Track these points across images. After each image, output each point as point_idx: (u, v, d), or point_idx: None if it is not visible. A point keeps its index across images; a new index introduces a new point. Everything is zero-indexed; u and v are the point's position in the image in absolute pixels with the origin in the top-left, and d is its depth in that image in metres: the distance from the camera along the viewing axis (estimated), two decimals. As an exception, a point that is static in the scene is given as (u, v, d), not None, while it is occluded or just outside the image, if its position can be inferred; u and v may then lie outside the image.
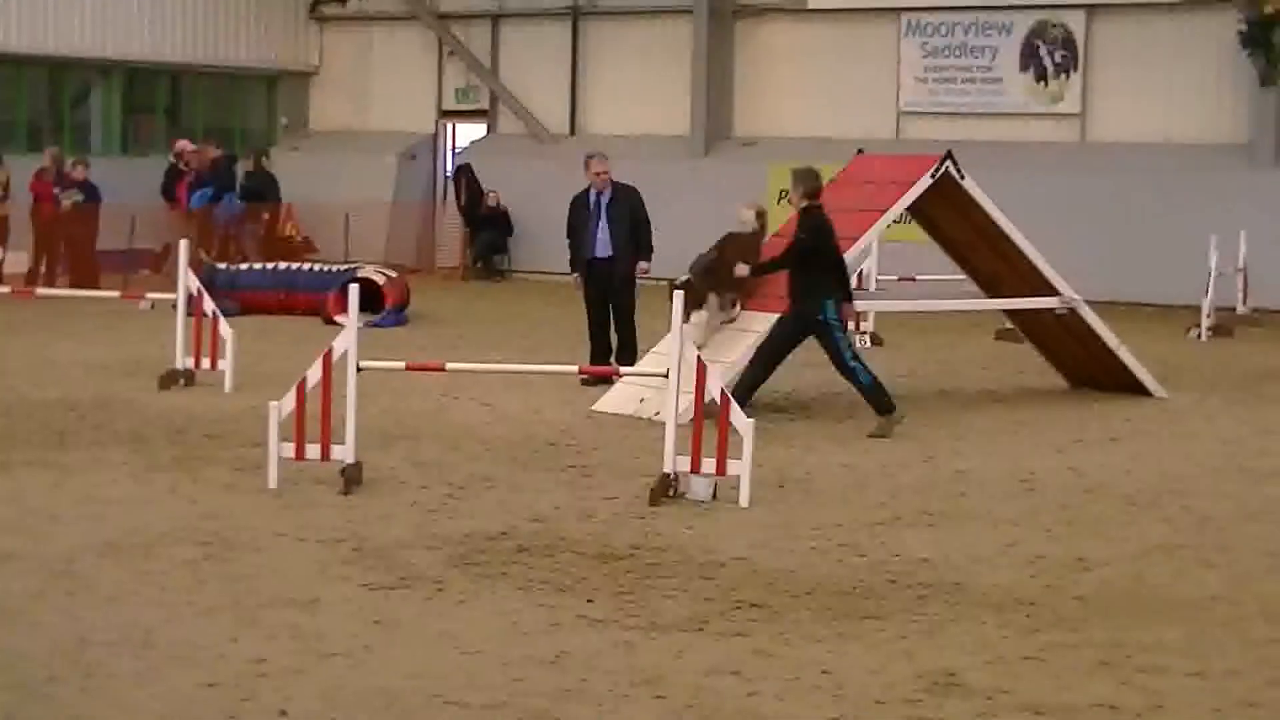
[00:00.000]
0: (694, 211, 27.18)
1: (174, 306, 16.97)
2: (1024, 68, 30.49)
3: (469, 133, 35.63)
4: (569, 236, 18.07)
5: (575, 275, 18.05)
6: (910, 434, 14.99)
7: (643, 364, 16.12)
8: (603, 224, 17.66)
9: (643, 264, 17.65)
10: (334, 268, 25.23)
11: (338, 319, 20.22)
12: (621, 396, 15.77)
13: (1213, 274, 24.31)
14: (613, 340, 17.87)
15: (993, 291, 17.88)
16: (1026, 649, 8.44)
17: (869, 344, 21.93)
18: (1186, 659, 8.31)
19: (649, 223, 17.75)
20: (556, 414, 14.36)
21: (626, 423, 15.12)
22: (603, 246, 17.67)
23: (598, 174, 17.71)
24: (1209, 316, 24.17)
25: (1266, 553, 10.77)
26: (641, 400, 15.36)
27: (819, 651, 8.33)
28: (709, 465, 11.92)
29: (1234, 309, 25.74)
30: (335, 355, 11.95)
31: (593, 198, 17.78)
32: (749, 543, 10.69)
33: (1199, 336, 24.02)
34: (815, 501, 12.09)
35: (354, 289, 12.04)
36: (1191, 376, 19.20)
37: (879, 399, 15.01)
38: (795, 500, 12.10)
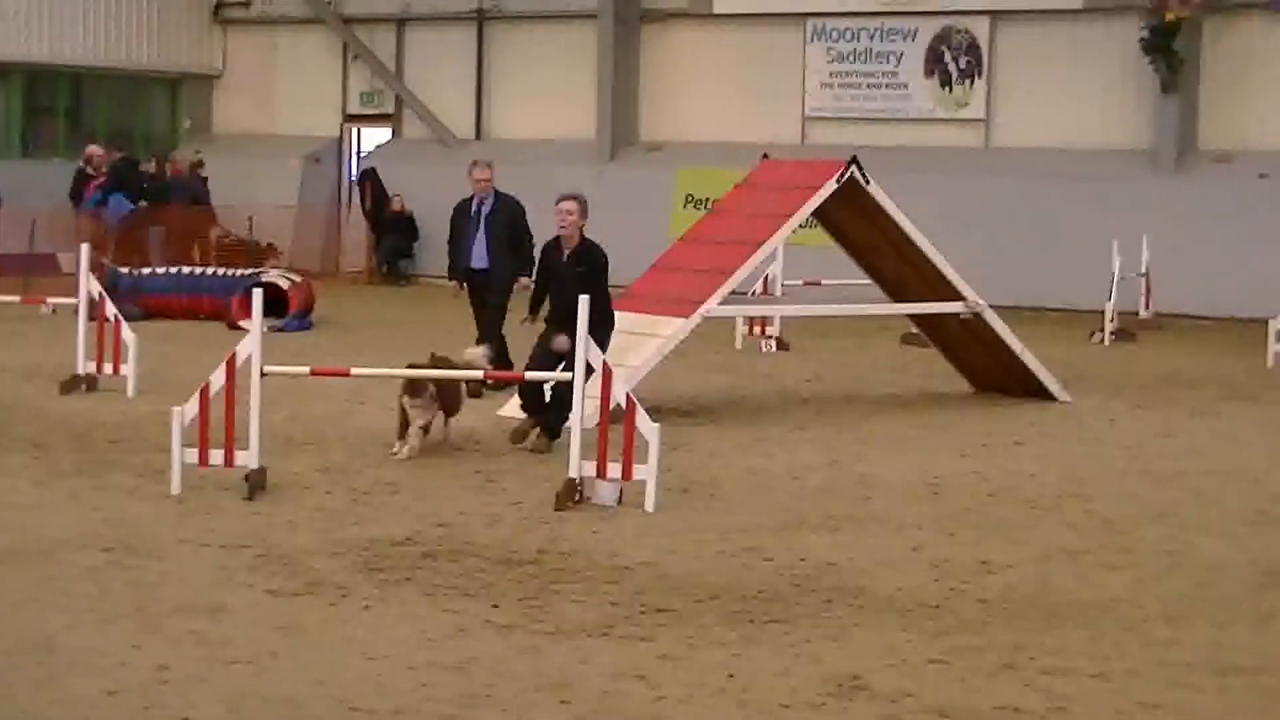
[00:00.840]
0: (599, 216, 27.09)
1: (75, 311, 16.80)
2: (929, 73, 30.67)
3: (374, 137, 35.47)
4: (449, 242, 17.85)
5: (452, 283, 17.84)
6: (815, 439, 15.05)
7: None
8: (481, 234, 17.38)
9: (523, 279, 17.38)
10: (238, 272, 25.04)
11: (242, 324, 20.06)
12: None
13: (1116, 279, 24.52)
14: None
15: (898, 296, 17.95)
16: (931, 652, 8.48)
17: (774, 349, 22.00)
18: (1089, 661, 8.37)
19: (530, 235, 17.40)
20: (462, 419, 14.27)
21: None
22: (479, 258, 17.36)
23: (479, 180, 17.45)
24: (1112, 321, 24.37)
25: (1167, 554, 10.87)
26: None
27: (724, 656, 8.34)
28: (615, 470, 11.91)
29: (1137, 313, 25.98)
30: (239, 360, 11.87)
31: (474, 206, 17.54)
32: (655, 547, 10.68)
33: (1102, 341, 24.21)
34: (721, 506, 12.10)
35: (258, 293, 11.97)
36: (1095, 381, 19.35)
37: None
38: (701, 505, 12.11)
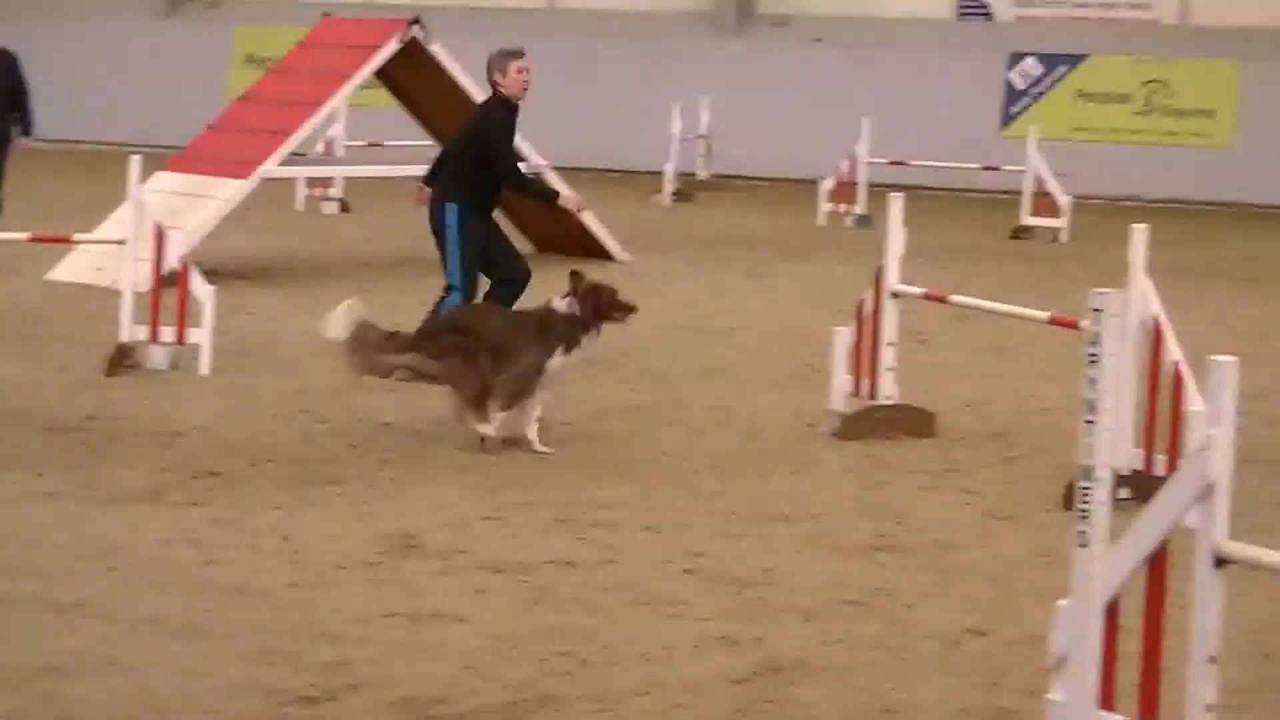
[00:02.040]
0: (152, 76, 26.43)
1: None
2: (492, -66, 30.55)
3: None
4: None
5: None
6: (378, 301, 14.94)
7: (102, 230, 15.60)
8: None
9: (24, 140, 16.58)
10: None
11: None
12: (78, 265, 15.26)
13: (676, 140, 24.92)
14: None
15: (460, 157, 17.91)
16: (485, 509, 8.54)
17: (336, 210, 21.78)
18: (640, 513, 8.54)
19: (27, 91, 16.58)
20: (5, 283, 13.81)
21: (82, 291, 14.64)
22: None
23: None
24: (672, 182, 24.79)
25: (717, 408, 11.15)
26: (99, 269, 14.89)
27: (278, 518, 8.26)
28: (168, 334, 11.65)
29: (695, 175, 26.48)
30: None
31: None
32: (209, 412, 10.51)
33: (662, 201, 24.62)
34: (278, 369, 11.96)
35: None
36: (653, 240, 19.67)
37: None
38: (257, 368, 11.95)
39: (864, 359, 10.46)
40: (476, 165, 11.87)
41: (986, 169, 23.76)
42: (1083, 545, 4.98)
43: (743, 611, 7.03)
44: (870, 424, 10.33)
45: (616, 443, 10.14)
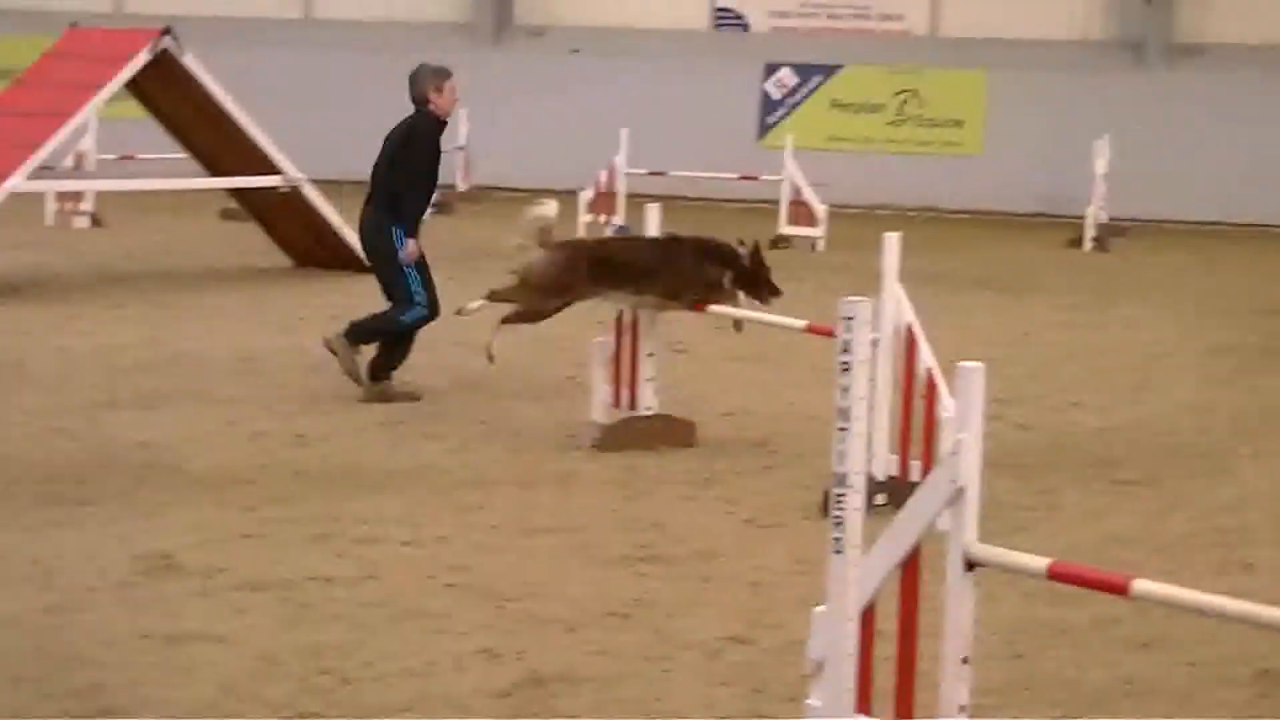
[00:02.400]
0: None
1: None
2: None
3: None
4: None
5: None
6: (132, 316, 14.71)
7: None
8: None
9: None
10: None
11: None
12: None
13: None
14: None
15: (215, 170, 17.70)
16: (244, 527, 8.42)
17: (88, 225, 21.36)
18: (401, 528, 8.48)
19: None
20: None
21: None
22: None
23: None
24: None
25: (480, 422, 11.11)
26: None
27: (28, 540, 8.06)
28: (-88, 353, 11.36)
29: (454, 186, 26.42)
30: None
31: None
32: (-45, 432, 10.24)
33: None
34: (27, 386, 11.69)
35: None
36: (413, 253, 19.52)
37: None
38: (5, 386, 11.67)
39: (624, 370, 10.51)
40: (409, 181, 11.80)
41: (744, 179, 23.99)
42: (838, 552, 5.04)
43: (505, 625, 7.01)
44: (631, 435, 10.37)
45: (377, 457, 10.06)
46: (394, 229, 11.78)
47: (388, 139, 12.14)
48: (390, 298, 11.88)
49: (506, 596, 7.39)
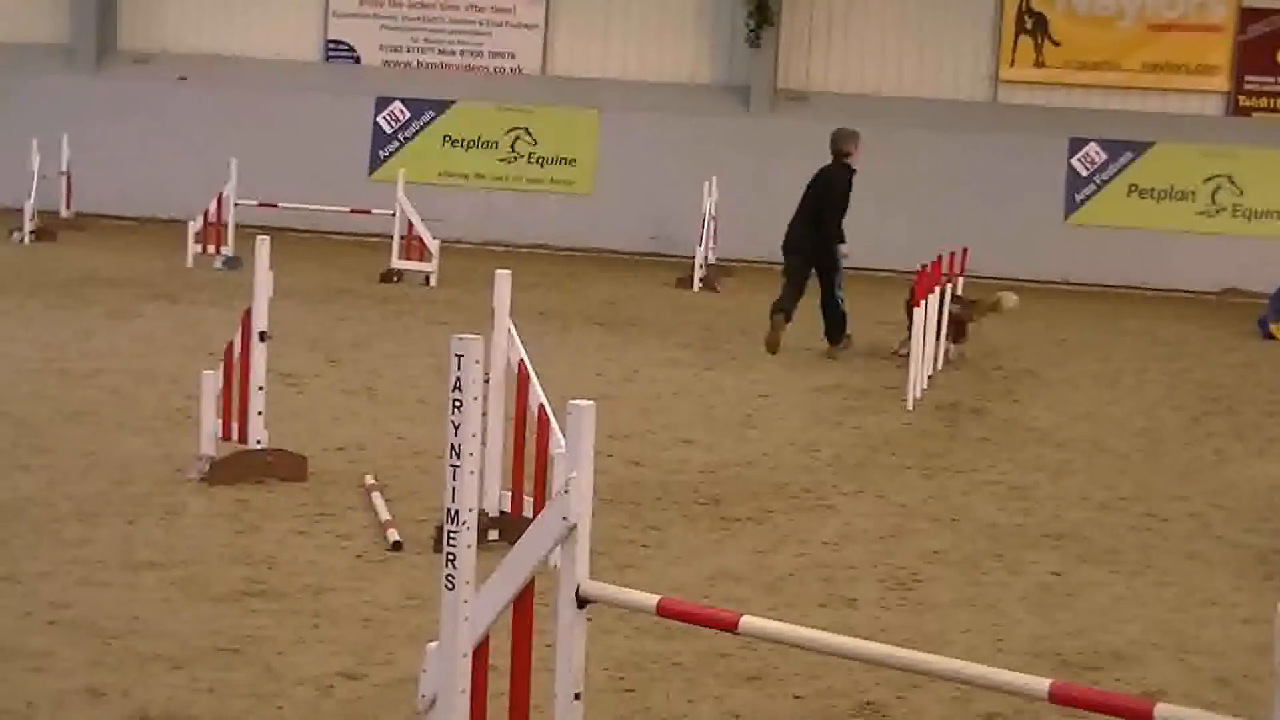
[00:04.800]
0: None
1: None
2: None
3: None
4: None
5: None
6: None
7: None
8: None
9: None
10: None
11: None
12: None
13: (36, 177, 24.19)
14: None
15: None
16: None
17: None
18: (-1, 564, 8.22)
19: None
20: None
21: None
22: None
23: None
24: (33, 220, 24.04)
25: (84, 454, 10.83)
26: None
27: None
28: None
29: (58, 212, 25.75)
30: None
31: None
32: None
33: (21, 240, 23.83)
34: None
35: None
36: (13, 281, 19.01)
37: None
38: None
39: (234, 402, 10.37)
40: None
41: (356, 212, 23.87)
42: (450, 588, 5.07)
43: (110, 662, 6.85)
44: (241, 468, 10.23)
45: (-27, 491, 9.73)
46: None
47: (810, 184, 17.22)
48: None
49: (111, 633, 7.22)
